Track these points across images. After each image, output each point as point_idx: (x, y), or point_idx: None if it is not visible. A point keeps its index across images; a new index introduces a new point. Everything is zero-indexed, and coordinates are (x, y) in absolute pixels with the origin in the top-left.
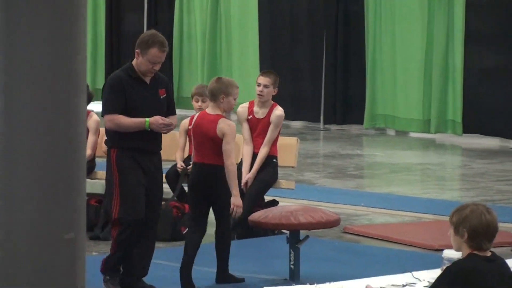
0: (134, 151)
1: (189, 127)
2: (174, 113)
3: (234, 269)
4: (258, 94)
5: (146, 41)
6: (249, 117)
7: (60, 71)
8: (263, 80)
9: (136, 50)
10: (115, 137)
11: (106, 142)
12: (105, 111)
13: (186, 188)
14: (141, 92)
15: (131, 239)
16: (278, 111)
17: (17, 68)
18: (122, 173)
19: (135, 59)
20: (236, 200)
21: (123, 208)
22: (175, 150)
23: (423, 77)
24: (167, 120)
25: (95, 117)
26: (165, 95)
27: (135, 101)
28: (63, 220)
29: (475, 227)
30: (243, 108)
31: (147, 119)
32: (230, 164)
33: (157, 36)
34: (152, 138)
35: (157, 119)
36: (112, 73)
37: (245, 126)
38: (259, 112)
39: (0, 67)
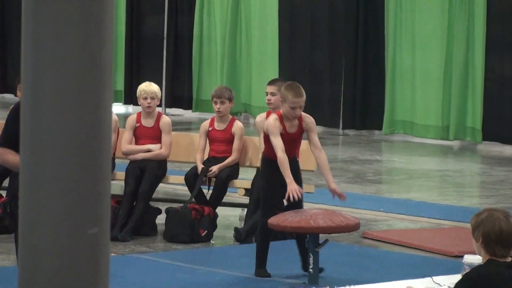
0: None
1: (209, 129)
2: None
3: (252, 272)
4: (268, 103)
5: None
6: None
7: (87, 65)
8: (268, 88)
9: None
10: None
11: None
12: None
13: (204, 190)
14: None
15: None
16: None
17: (44, 62)
18: None
19: None
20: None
21: None
22: (194, 152)
23: (442, 83)
24: None
25: (113, 116)
26: None
27: None
28: (88, 214)
29: (487, 233)
30: (261, 118)
31: None
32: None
33: None
34: None
35: None
36: None
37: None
38: None
39: (28, 61)
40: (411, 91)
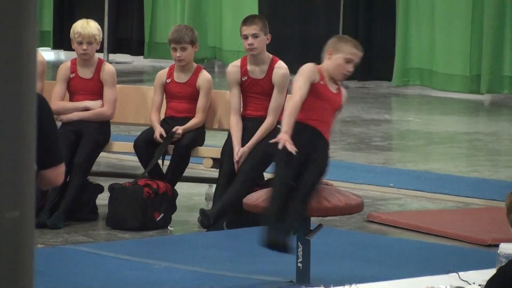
0: None
1: (167, 81)
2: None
3: (223, 267)
4: (248, 49)
5: None
6: (243, 79)
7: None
8: (248, 29)
9: None
10: None
11: None
12: None
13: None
14: None
15: None
16: (282, 69)
17: None
18: None
19: None
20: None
21: None
22: (146, 111)
23: (471, 20)
24: None
25: (40, 57)
26: None
27: None
28: (6, 193)
29: None
30: (234, 67)
31: None
32: None
33: None
34: None
35: None
36: None
37: (235, 92)
38: (256, 71)
39: None
40: (430, 31)
